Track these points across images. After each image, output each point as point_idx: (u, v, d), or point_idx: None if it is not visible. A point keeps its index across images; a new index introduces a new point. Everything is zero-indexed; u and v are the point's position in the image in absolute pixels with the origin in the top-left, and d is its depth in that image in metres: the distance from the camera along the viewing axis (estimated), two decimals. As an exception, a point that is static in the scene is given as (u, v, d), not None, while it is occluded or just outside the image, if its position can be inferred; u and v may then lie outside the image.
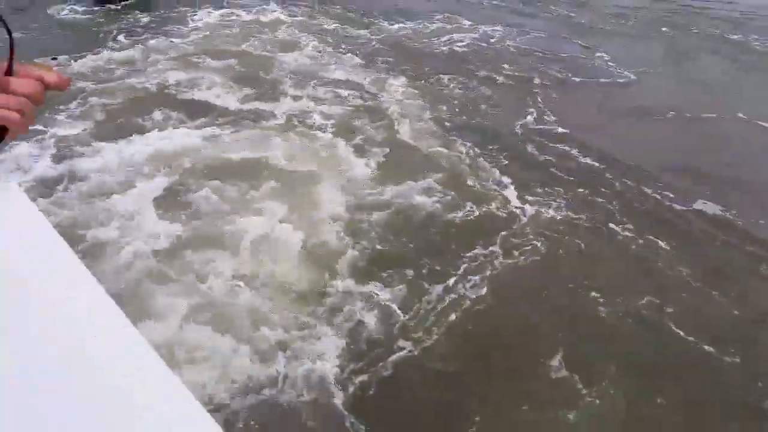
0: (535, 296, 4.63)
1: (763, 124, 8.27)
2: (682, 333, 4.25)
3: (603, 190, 6.14)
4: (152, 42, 9.69)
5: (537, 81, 9.07)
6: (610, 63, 9.94)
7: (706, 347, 4.15)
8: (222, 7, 11.89)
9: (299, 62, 9.33)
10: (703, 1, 13.83)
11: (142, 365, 0.88)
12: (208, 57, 9.14)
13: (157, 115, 7.11)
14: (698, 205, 5.93)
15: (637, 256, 5.12)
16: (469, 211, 5.62)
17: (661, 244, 5.27)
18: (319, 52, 9.91)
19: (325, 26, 11.32)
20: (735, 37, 11.83)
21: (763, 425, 3.72)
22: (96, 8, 11.42)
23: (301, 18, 11.70)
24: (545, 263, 4.95)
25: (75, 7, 11.26)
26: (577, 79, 9.27)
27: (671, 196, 6.06)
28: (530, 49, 10.48)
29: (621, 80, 9.27)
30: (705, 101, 8.82)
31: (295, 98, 7.91)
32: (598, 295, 4.58)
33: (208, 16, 11.32)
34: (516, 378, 3.90)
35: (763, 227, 5.63)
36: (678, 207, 5.89)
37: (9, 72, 1.00)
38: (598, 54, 10.30)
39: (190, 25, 10.78)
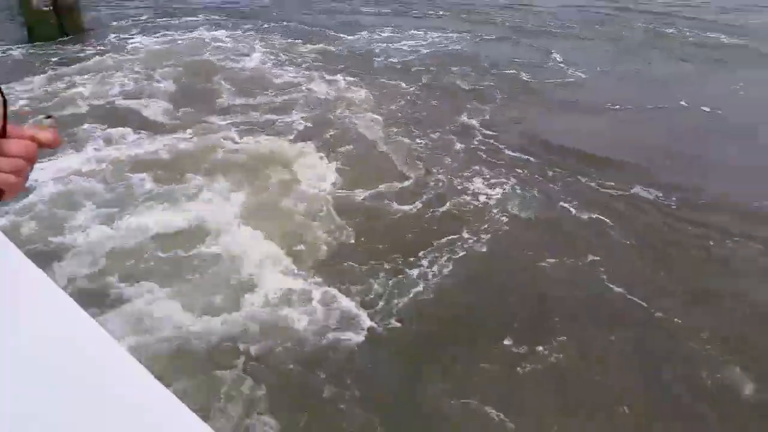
0: (491, 277, 5.13)
1: (705, 108, 8.68)
2: (616, 289, 4.85)
3: (550, 176, 6.51)
4: (91, 63, 9.73)
5: (489, 83, 9.30)
6: (561, 63, 10.23)
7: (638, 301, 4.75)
8: (158, 32, 11.93)
9: (248, 73, 9.46)
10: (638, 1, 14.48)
11: (123, 373, 0.91)
12: (150, 73, 9.09)
13: (100, 128, 7.13)
14: (636, 189, 6.26)
15: (576, 233, 5.62)
16: (428, 200, 6.12)
17: (597, 218, 5.79)
18: (265, 63, 10.01)
19: (274, 42, 11.33)
20: (669, 31, 12.38)
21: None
22: (31, 45, 11.14)
23: (246, 33, 11.76)
24: (503, 243, 5.46)
25: (11, 47, 10.93)
26: (530, 79, 9.51)
27: (611, 183, 6.49)
28: (479, 53, 10.73)
29: (571, 79, 9.56)
30: (648, 93, 9.28)
31: (244, 107, 8.05)
32: (548, 265, 5.16)
33: (145, 40, 11.52)
34: (473, 348, 4.32)
35: (692, 205, 5.94)
36: (616, 192, 6.32)
37: (2, 134, 1.00)
38: (552, 56, 10.60)
39: (129, 47, 10.95)
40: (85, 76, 9.23)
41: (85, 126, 7.38)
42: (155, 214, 5.58)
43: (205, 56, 10.27)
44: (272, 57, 10.39)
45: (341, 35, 11.73)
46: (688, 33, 12.16)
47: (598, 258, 5.06)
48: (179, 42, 11.20)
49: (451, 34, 11.74)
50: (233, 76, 9.35)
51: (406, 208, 5.89)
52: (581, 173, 6.52)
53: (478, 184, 6.36)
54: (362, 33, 12.05)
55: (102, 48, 10.92)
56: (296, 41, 11.38)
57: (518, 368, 4.02)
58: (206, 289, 4.63)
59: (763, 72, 10.27)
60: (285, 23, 12.68)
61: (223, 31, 11.96)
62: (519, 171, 6.59)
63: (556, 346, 4.13)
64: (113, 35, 11.61)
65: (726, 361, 4.07)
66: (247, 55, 10.33)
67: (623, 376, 4.04)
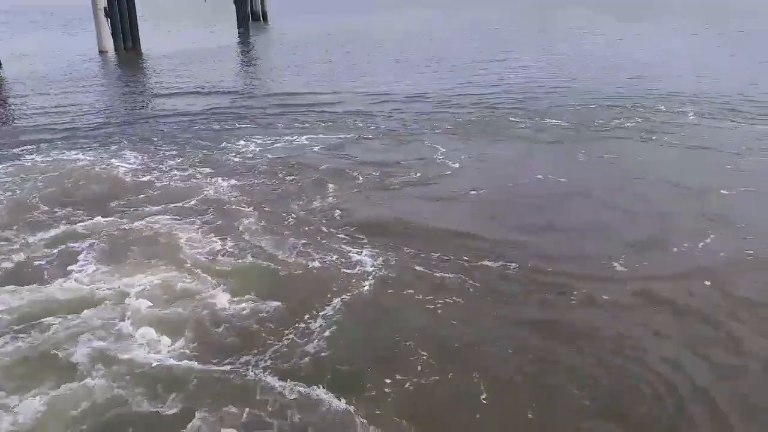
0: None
1: (561, 179, 10.51)
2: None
3: (406, 251, 7.91)
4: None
5: (360, 180, 10.79)
6: (439, 157, 11.90)
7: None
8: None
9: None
10: (509, 104, 16.49)
11: None
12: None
13: None
14: (485, 262, 7.56)
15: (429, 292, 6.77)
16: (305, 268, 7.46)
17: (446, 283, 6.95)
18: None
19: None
20: (535, 119, 14.56)
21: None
22: None
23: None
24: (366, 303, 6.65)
25: None
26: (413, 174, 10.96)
27: (466, 257, 7.67)
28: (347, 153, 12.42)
29: (447, 171, 11.07)
30: (509, 173, 10.86)
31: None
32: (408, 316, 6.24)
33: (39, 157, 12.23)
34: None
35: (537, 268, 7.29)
36: (468, 264, 7.50)
37: None
38: (438, 152, 12.19)
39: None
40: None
41: None
42: None
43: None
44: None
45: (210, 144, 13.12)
46: (530, 121, 14.41)
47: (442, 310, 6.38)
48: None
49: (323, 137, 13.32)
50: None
51: (289, 267, 7.40)
52: (434, 248, 7.81)
53: (338, 256, 7.68)
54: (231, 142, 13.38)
55: None
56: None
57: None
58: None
59: (590, 148, 12.19)
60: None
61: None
62: (379, 249, 7.84)
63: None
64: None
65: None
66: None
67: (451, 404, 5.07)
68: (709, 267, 7.27)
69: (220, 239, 8.33)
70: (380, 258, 7.65)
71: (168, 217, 9.15)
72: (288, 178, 10.95)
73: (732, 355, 5.73)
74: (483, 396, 5.26)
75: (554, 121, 14.41)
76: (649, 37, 34.23)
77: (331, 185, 10.41)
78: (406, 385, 5.40)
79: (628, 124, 14.04)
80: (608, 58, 25.55)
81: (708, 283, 6.92)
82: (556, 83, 19.38)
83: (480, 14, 60.98)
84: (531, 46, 30.50)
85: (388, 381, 5.45)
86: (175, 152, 12.67)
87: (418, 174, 10.93)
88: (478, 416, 5.07)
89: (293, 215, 9.17)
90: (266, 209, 9.43)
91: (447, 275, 7.22)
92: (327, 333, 6.12)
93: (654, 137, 12.97)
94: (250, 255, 7.84)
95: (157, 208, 9.53)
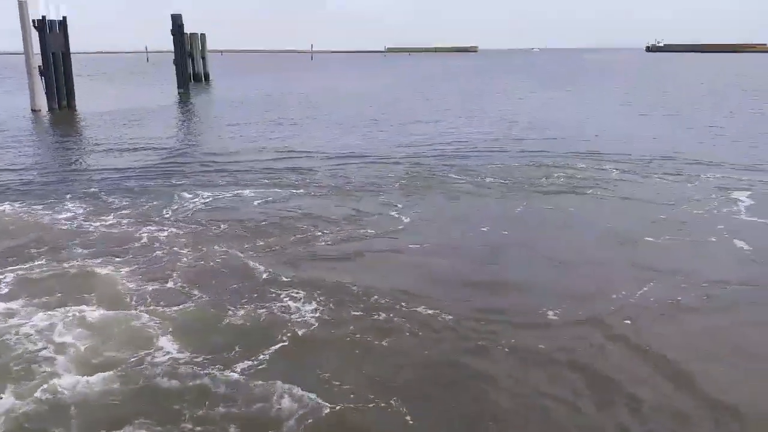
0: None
1: (504, 231, 10.91)
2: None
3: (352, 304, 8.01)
4: None
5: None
6: (384, 211, 12.14)
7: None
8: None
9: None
10: (445, 162, 17.17)
11: None
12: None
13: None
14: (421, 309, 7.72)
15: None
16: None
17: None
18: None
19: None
20: (473, 177, 15.19)
21: None
22: None
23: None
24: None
25: None
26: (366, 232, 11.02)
27: (404, 303, 7.85)
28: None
29: (393, 226, 11.25)
30: (453, 227, 11.18)
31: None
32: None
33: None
34: None
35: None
36: (406, 310, 7.67)
37: None
38: (382, 207, 12.47)
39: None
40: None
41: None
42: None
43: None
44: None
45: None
46: (468, 178, 15.07)
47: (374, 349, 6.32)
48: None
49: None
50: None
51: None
52: (375, 299, 7.93)
53: (274, 304, 7.87)
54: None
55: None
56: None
57: None
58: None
59: (527, 202, 12.75)
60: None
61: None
62: (317, 297, 8.03)
63: None
64: None
65: None
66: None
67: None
68: (639, 316, 7.52)
69: (154, 283, 8.41)
70: (316, 304, 7.75)
71: (100, 260, 9.27)
72: (227, 229, 10.95)
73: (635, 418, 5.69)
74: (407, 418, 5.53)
75: (490, 178, 14.98)
76: (567, 102, 36.39)
77: (269, 237, 10.46)
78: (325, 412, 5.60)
79: (558, 180, 14.76)
80: (531, 120, 26.96)
81: (633, 333, 7.13)
82: (486, 144, 20.26)
83: (416, 79, 63.39)
84: (461, 110, 31.84)
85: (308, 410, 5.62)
86: (110, 205, 12.57)
87: (360, 227, 11.10)
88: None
89: (232, 264, 9.20)
90: (204, 259, 9.42)
91: (383, 321, 7.35)
92: (257, 380, 6.09)
93: (586, 191, 13.68)
94: (184, 301, 7.86)
95: (89, 251, 9.66)
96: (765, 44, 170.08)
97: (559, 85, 52.75)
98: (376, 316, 7.50)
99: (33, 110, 29.52)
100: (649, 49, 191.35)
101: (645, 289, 8.30)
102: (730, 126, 24.50)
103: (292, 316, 7.49)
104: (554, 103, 35.18)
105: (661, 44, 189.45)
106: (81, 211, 12.11)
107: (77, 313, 7.41)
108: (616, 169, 15.71)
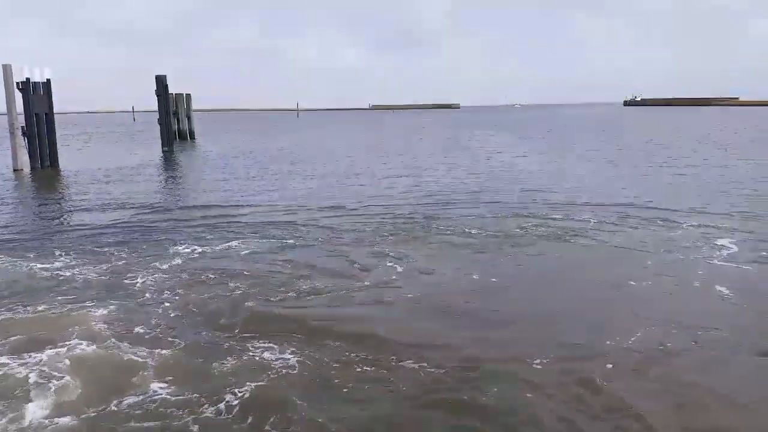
0: None
1: (492, 279, 10.80)
2: None
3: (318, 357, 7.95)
4: None
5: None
6: (371, 262, 12.12)
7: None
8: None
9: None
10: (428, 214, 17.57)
11: None
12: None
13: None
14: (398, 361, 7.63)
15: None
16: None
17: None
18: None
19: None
20: (457, 228, 15.30)
21: None
22: None
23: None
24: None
25: None
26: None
27: (393, 356, 7.73)
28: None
29: (383, 277, 11.18)
30: (443, 277, 11.09)
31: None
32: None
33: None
34: None
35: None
36: (393, 363, 7.53)
37: None
38: (371, 258, 12.44)
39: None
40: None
41: None
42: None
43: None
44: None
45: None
46: (453, 229, 15.12)
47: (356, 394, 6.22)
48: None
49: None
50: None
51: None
52: (360, 349, 7.84)
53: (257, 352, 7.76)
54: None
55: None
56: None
57: None
58: None
59: (512, 251, 12.79)
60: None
61: None
62: (304, 347, 8.07)
63: None
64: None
65: None
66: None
67: None
68: (629, 364, 7.45)
69: (137, 327, 8.67)
70: (298, 352, 7.77)
71: (79, 305, 9.51)
72: (214, 279, 10.97)
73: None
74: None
75: (473, 229, 15.00)
76: (542, 154, 37.09)
77: (257, 287, 10.44)
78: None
79: (539, 230, 14.84)
80: (508, 172, 27.41)
81: (619, 379, 7.07)
82: (466, 195, 20.49)
83: (398, 134, 64.48)
84: (441, 162, 32.38)
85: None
86: (93, 257, 12.56)
87: (349, 278, 11.04)
88: None
89: (220, 314, 9.24)
90: (191, 308, 9.46)
91: (367, 369, 7.35)
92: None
93: (569, 240, 13.81)
94: (167, 346, 8.01)
95: (70, 297, 9.87)
96: (737, 98, 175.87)
97: (536, 138, 53.97)
98: (358, 367, 7.41)
99: (15, 170, 29.53)
100: (626, 103, 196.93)
101: (632, 336, 8.26)
102: (701, 175, 25.13)
103: (274, 363, 7.48)
104: (530, 156, 35.85)
105: (638, 99, 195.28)
106: (60, 264, 12.04)
107: (56, 356, 7.58)
108: (594, 219, 15.87)
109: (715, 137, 49.26)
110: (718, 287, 10.24)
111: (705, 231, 14.31)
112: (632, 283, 10.57)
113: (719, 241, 13.26)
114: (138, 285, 10.64)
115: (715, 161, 30.64)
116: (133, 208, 19.18)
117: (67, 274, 11.34)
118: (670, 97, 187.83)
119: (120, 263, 12.12)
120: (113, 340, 8.22)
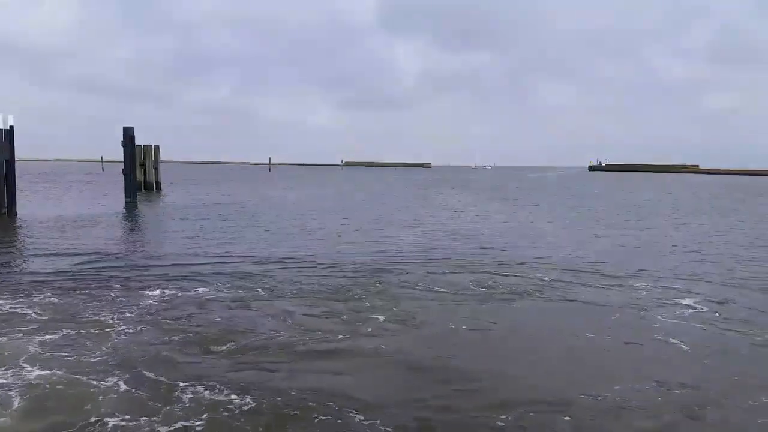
0: None
1: (475, 331, 10.73)
2: None
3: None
4: None
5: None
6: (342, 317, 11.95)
7: None
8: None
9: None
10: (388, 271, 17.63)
11: None
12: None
13: None
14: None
15: None
16: None
17: None
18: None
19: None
20: (419, 285, 15.30)
21: None
22: None
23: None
24: None
25: None
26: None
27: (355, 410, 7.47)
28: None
29: (361, 329, 11.09)
30: (421, 333, 11.02)
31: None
32: None
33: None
34: None
35: None
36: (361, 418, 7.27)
37: None
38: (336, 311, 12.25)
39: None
40: None
41: None
42: None
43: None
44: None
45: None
46: (416, 285, 15.04)
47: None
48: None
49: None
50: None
51: None
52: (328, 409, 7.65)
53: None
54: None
55: None
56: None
57: None
58: None
59: (481, 308, 12.71)
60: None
61: None
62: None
63: None
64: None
65: None
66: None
67: None
68: (590, 419, 7.30)
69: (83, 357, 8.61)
70: (255, 406, 7.43)
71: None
72: (183, 328, 10.75)
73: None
74: None
75: (437, 286, 14.93)
76: (504, 214, 37.62)
77: (228, 341, 10.15)
78: None
79: (499, 287, 14.86)
80: (470, 230, 27.62)
81: None
82: (429, 252, 20.53)
83: (368, 191, 64.99)
84: (407, 219, 32.54)
85: None
86: (45, 307, 12.06)
87: (323, 333, 10.83)
88: None
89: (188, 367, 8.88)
90: (139, 352, 8.93)
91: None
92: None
93: (532, 296, 13.93)
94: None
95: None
96: (697, 165, 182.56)
97: (499, 198, 54.96)
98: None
99: (-31, 216, 28.85)
100: (591, 168, 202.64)
101: (593, 391, 8.20)
102: (661, 238, 25.75)
103: (226, 414, 7.22)
104: (492, 215, 36.32)
105: (603, 164, 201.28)
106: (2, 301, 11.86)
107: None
108: (553, 278, 16.00)
109: (670, 202, 50.81)
110: (682, 345, 10.30)
111: (666, 292, 14.51)
112: (590, 335, 10.65)
113: (682, 301, 13.51)
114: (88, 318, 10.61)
115: (679, 226, 31.39)
116: (87, 256, 18.67)
117: (9, 309, 11.19)
118: (635, 163, 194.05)
119: (67, 302, 12.03)
120: (62, 370, 8.15)
